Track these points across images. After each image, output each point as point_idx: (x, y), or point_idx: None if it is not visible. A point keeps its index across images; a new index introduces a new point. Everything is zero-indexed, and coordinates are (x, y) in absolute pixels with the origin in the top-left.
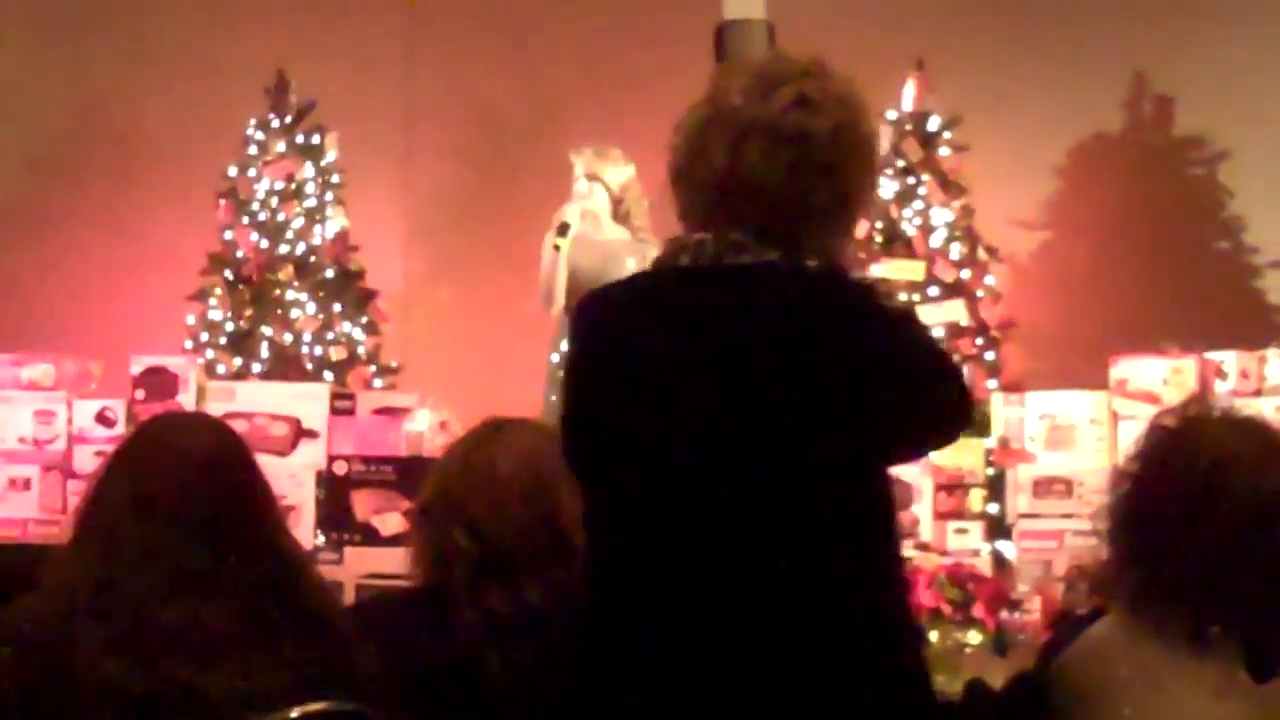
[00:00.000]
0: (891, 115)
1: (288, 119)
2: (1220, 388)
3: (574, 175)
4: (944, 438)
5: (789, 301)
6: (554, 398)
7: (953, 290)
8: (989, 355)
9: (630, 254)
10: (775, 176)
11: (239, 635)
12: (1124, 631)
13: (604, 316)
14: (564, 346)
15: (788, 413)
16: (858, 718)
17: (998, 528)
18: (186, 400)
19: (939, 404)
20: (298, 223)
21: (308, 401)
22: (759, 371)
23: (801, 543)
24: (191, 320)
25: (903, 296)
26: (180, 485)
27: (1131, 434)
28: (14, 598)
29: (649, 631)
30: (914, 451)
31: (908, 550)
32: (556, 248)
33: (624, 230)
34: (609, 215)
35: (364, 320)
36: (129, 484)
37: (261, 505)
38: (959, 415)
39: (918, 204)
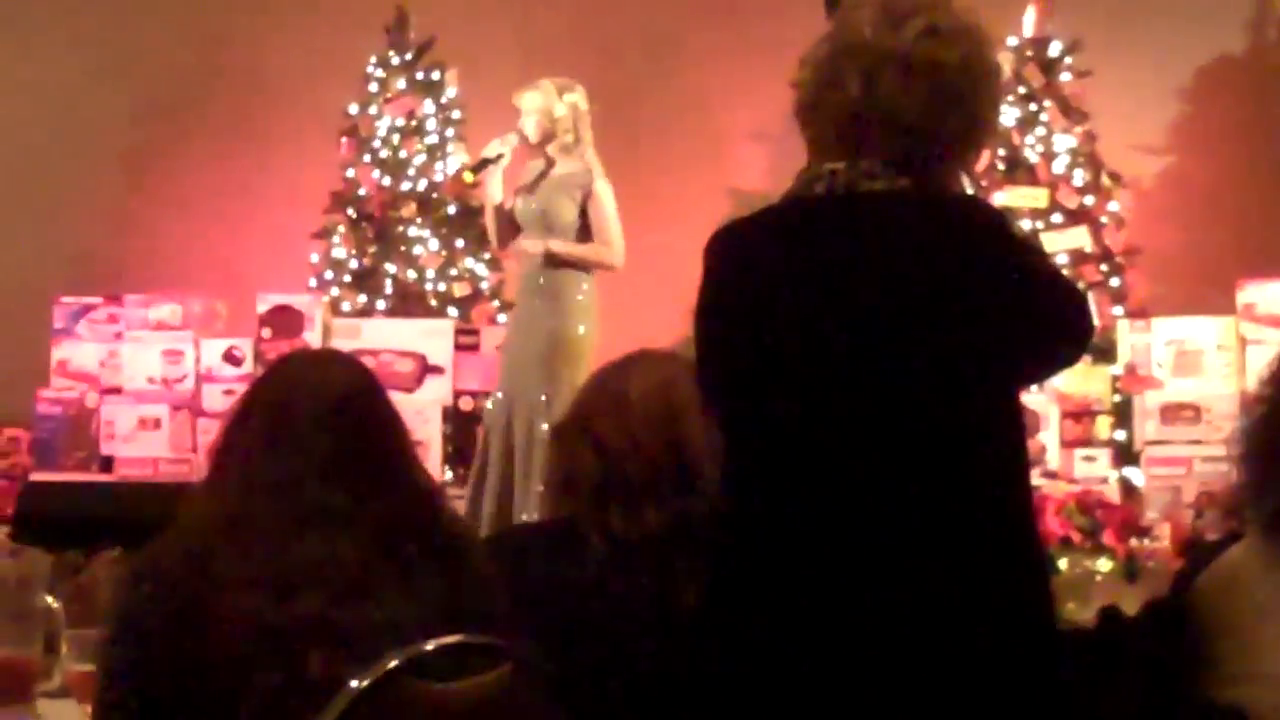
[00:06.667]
0: (1012, 41)
1: (408, 56)
2: None
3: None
4: (1067, 360)
5: (924, 226)
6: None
7: (1076, 217)
8: (1114, 281)
9: (579, 185)
10: (910, 106)
11: (373, 568)
12: (1260, 556)
13: (737, 250)
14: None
15: (922, 335)
16: (983, 645)
17: (1125, 454)
18: (312, 338)
19: (1065, 326)
20: (419, 159)
21: (432, 338)
22: (894, 295)
23: (933, 463)
24: (315, 258)
25: (1026, 224)
26: (314, 421)
27: (1259, 358)
28: (151, 535)
29: (784, 552)
30: (1039, 373)
31: (1035, 479)
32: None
33: (574, 161)
34: (556, 149)
35: (486, 256)
36: (263, 421)
37: (395, 440)
38: (1082, 337)
39: (1040, 130)
